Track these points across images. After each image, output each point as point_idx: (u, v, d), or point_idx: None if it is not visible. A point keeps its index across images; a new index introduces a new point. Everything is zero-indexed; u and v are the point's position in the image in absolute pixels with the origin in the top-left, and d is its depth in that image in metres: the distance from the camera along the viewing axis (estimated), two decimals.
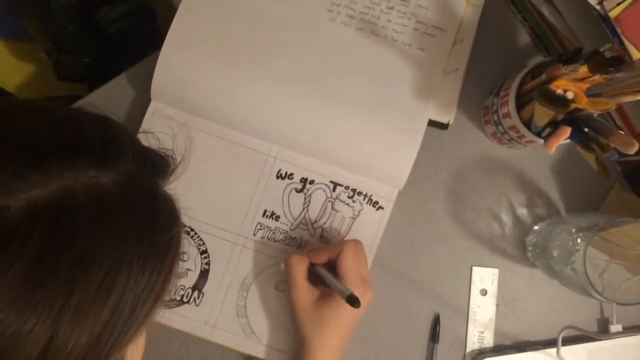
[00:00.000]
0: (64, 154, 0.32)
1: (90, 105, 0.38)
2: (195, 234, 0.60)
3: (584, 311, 0.63)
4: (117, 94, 0.63)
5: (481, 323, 0.62)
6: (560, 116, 0.51)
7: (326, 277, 0.55)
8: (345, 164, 0.60)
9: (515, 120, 0.54)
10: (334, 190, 0.61)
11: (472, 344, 0.62)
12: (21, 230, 0.28)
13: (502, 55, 0.64)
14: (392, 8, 0.61)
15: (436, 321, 0.62)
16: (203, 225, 0.61)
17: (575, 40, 0.57)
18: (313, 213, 0.61)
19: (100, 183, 0.32)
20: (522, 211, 0.64)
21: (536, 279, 0.63)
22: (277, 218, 0.61)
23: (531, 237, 0.62)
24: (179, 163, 0.41)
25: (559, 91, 0.48)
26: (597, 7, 0.51)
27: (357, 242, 0.57)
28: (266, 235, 0.61)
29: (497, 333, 0.62)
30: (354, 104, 0.59)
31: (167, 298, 0.37)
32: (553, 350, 0.59)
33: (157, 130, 0.41)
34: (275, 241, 0.61)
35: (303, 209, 0.61)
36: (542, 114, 0.50)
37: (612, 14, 0.50)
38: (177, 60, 0.59)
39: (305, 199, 0.61)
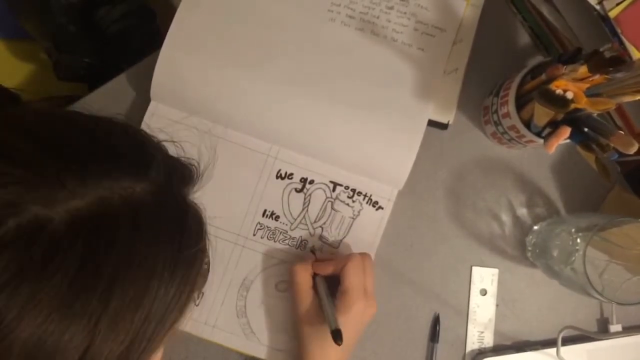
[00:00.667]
0: (101, 164, 0.32)
1: (120, 115, 0.38)
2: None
3: (583, 311, 0.63)
4: (117, 93, 0.63)
5: (481, 323, 0.62)
6: (560, 116, 0.51)
7: (322, 299, 0.55)
8: (345, 164, 0.60)
9: (515, 120, 0.54)
10: (333, 190, 0.61)
11: (472, 343, 0.62)
12: (64, 244, 0.28)
13: (502, 55, 0.64)
14: (391, 8, 0.61)
15: (436, 321, 0.62)
16: None
17: (575, 40, 0.57)
18: (313, 213, 0.61)
19: (135, 193, 0.33)
20: (522, 211, 0.64)
21: (536, 279, 0.63)
22: (277, 218, 0.61)
23: (531, 237, 0.62)
24: (204, 172, 0.42)
25: (559, 91, 0.48)
26: (597, 7, 0.51)
27: (364, 256, 0.56)
28: (266, 235, 0.61)
29: (496, 333, 0.62)
30: (354, 104, 0.59)
31: (192, 305, 0.37)
32: (553, 350, 0.59)
33: (181, 138, 0.42)
34: (275, 241, 0.61)
35: (303, 209, 0.61)
36: (542, 114, 0.50)
37: (612, 14, 0.50)
38: (177, 60, 0.59)
39: (305, 198, 0.61)
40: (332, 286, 0.57)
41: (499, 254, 0.63)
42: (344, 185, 0.61)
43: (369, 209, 0.61)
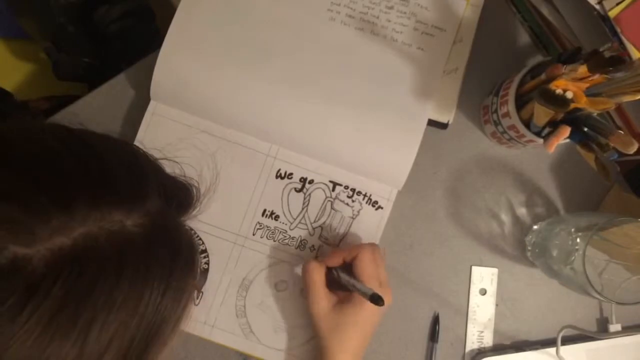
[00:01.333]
0: (91, 194, 0.30)
1: (136, 142, 0.36)
2: (195, 233, 0.60)
3: (583, 311, 0.63)
4: (116, 93, 0.63)
5: (480, 322, 0.62)
6: (560, 116, 0.51)
7: (346, 280, 0.55)
8: (344, 163, 0.60)
9: (514, 119, 0.54)
10: (333, 189, 0.61)
11: (472, 343, 0.62)
12: (43, 285, 0.27)
13: (502, 55, 0.64)
14: (391, 8, 0.61)
15: (435, 321, 0.62)
16: (202, 225, 0.61)
17: (575, 40, 0.57)
18: (312, 213, 0.61)
19: (125, 228, 0.31)
20: (522, 211, 0.64)
21: (535, 279, 0.63)
22: (277, 218, 0.61)
23: (530, 236, 0.62)
24: (204, 195, 0.40)
25: (559, 91, 0.48)
26: (597, 7, 0.51)
27: (373, 246, 0.56)
28: (265, 234, 0.61)
29: (496, 332, 0.62)
30: (354, 104, 0.59)
31: (178, 332, 0.36)
32: (552, 350, 0.59)
33: (183, 157, 0.39)
34: (274, 241, 0.61)
35: (302, 209, 0.61)
36: (542, 114, 0.50)
37: (612, 13, 0.50)
38: (176, 59, 0.59)
39: (304, 198, 0.61)
40: (334, 284, 0.57)
41: (499, 253, 0.63)
42: (344, 185, 0.61)
43: (368, 208, 0.61)
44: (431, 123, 0.61)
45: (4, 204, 0.27)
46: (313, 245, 0.61)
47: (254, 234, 0.61)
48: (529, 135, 0.54)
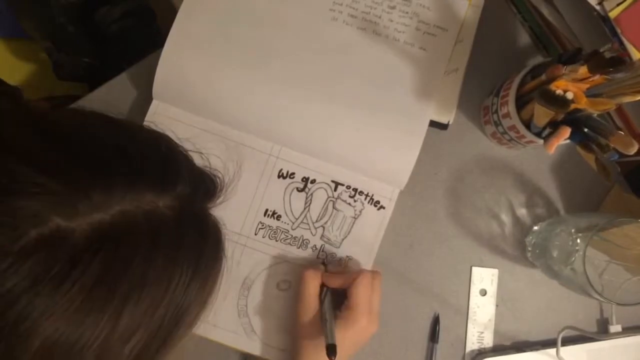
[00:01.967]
0: (128, 175, 0.32)
1: (151, 123, 0.38)
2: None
3: (583, 311, 0.63)
4: (117, 93, 0.63)
5: (481, 323, 0.62)
6: (560, 116, 0.52)
7: (326, 309, 0.55)
8: (346, 163, 0.60)
9: (515, 120, 0.55)
10: (335, 189, 0.61)
11: (472, 344, 0.62)
12: (84, 257, 0.28)
13: (502, 56, 0.64)
14: (394, 7, 0.61)
15: (436, 321, 0.62)
16: None
17: (575, 41, 0.57)
18: (314, 212, 0.61)
19: (158, 209, 0.32)
20: (522, 211, 0.64)
21: (536, 279, 0.63)
22: (279, 217, 0.61)
23: (531, 237, 0.62)
24: (228, 186, 0.41)
25: (559, 91, 0.49)
26: (597, 8, 0.51)
27: (374, 273, 0.56)
28: (267, 234, 0.61)
29: (496, 333, 0.62)
30: (356, 104, 0.59)
31: (202, 319, 0.37)
32: (552, 351, 0.59)
33: (208, 150, 0.41)
34: (276, 240, 0.61)
35: (304, 209, 0.61)
36: (542, 114, 0.50)
37: (612, 14, 0.50)
38: (179, 58, 0.59)
39: (306, 198, 0.61)
40: (336, 299, 0.57)
41: (499, 254, 0.63)
42: (346, 184, 0.61)
43: (370, 208, 0.61)
44: (431, 123, 0.61)
45: (50, 178, 0.29)
46: (315, 245, 0.61)
47: (255, 234, 0.61)
48: (529, 136, 0.54)
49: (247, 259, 0.61)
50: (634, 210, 0.59)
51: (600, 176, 0.50)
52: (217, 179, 0.41)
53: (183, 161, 0.37)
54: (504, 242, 0.63)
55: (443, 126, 0.62)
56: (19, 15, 0.98)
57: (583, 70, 0.48)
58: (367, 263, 0.61)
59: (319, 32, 0.61)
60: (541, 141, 0.53)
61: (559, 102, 0.48)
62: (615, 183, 0.63)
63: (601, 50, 0.51)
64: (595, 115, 0.51)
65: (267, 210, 0.61)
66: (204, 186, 0.39)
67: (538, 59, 0.64)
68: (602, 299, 0.51)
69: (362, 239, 0.61)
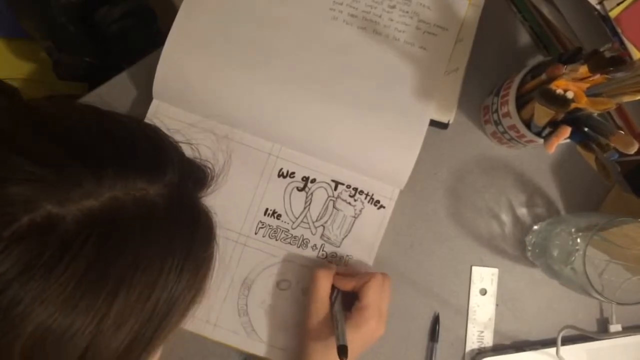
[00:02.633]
0: (118, 164, 0.32)
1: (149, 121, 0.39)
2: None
3: (583, 311, 0.63)
4: (118, 92, 0.63)
5: (481, 322, 0.62)
6: (560, 116, 0.52)
7: (336, 310, 0.55)
8: (347, 163, 0.60)
9: (515, 119, 0.55)
10: (335, 189, 0.61)
11: (472, 343, 0.62)
12: (75, 242, 0.29)
13: (502, 55, 0.64)
14: (394, 7, 0.61)
15: (436, 321, 0.62)
16: None
17: (576, 40, 0.57)
18: (314, 212, 0.61)
19: (148, 196, 0.33)
20: (522, 211, 0.64)
21: (536, 279, 0.63)
22: (279, 217, 0.61)
23: (531, 236, 0.62)
24: (218, 176, 0.42)
25: (559, 91, 0.49)
26: (598, 7, 0.51)
27: (385, 276, 0.57)
28: (267, 233, 0.61)
29: (496, 332, 0.62)
30: (356, 103, 0.59)
31: (195, 308, 0.37)
32: (552, 350, 0.59)
33: (198, 141, 0.42)
34: (276, 240, 0.61)
35: (304, 208, 0.61)
36: (542, 114, 0.50)
37: (613, 13, 0.50)
38: (179, 58, 0.59)
39: (306, 197, 0.61)
40: (344, 299, 0.58)
41: (499, 253, 0.63)
42: (346, 184, 0.61)
43: (370, 207, 0.61)
44: (432, 123, 0.61)
45: (41, 166, 0.29)
46: (315, 245, 0.61)
47: (256, 233, 0.61)
48: (530, 136, 0.54)
49: (248, 258, 0.61)
50: (634, 210, 0.59)
51: (601, 176, 0.50)
52: (208, 169, 0.41)
53: (172, 150, 0.38)
54: (504, 241, 0.63)
55: (443, 125, 0.62)
56: (19, 15, 0.98)
57: (583, 69, 0.48)
58: (367, 262, 0.61)
59: (319, 32, 0.61)
60: (541, 141, 0.53)
61: (559, 101, 0.48)
62: (615, 183, 0.63)
63: (601, 49, 0.51)
64: (595, 114, 0.51)
65: (267, 210, 0.61)
66: (194, 175, 0.39)
67: (538, 59, 0.64)
68: (602, 299, 0.51)
69: (362, 238, 0.61)
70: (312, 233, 0.61)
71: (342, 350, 0.50)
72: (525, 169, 0.64)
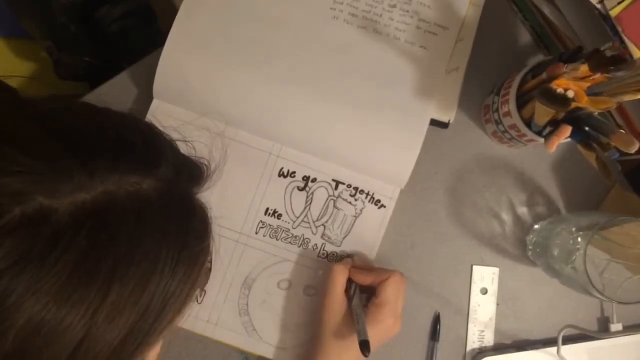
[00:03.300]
0: (110, 158, 0.32)
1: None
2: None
3: (584, 310, 0.63)
4: (118, 92, 0.63)
5: (481, 322, 0.62)
6: (561, 115, 0.51)
7: (356, 304, 0.55)
8: (347, 162, 0.60)
9: (515, 119, 0.55)
10: (336, 188, 0.61)
11: (472, 342, 0.62)
12: (67, 234, 0.29)
13: (503, 54, 0.64)
14: (394, 6, 0.61)
15: (436, 320, 0.62)
16: None
17: (576, 39, 0.57)
18: (315, 211, 0.61)
19: (142, 190, 0.33)
20: (523, 210, 0.64)
21: (536, 278, 0.63)
22: (279, 216, 0.61)
23: (531, 236, 0.62)
24: (213, 172, 0.42)
25: (560, 90, 0.49)
26: (598, 6, 0.51)
27: (402, 275, 0.57)
28: (268, 233, 0.61)
29: (497, 332, 0.62)
30: (357, 103, 0.59)
31: (192, 303, 0.37)
32: (553, 349, 0.59)
33: (193, 138, 0.42)
34: (277, 239, 0.61)
35: (305, 207, 0.61)
36: (543, 113, 0.50)
37: (613, 12, 0.50)
38: (179, 57, 0.59)
39: (307, 197, 0.61)
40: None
41: (500, 253, 0.63)
42: (346, 183, 0.61)
43: (371, 207, 0.61)
44: (432, 122, 0.61)
45: (33, 159, 0.29)
46: (316, 244, 0.61)
47: (256, 233, 0.61)
48: (530, 135, 0.54)
49: (248, 258, 0.61)
50: (634, 209, 0.59)
51: (601, 175, 0.50)
52: (203, 165, 0.41)
53: (166, 145, 0.38)
54: (505, 241, 0.63)
55: (444, 125, 0.62)
56: (19, 14, 0.98)
57: (584, 68, 0.48)
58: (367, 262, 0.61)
59: (320, 31, 0.61)
60: (542, 140, 0.53)
61: (560, 100, 0.48)
62: (616, 182, 0.63)
63: (602, 48, 0.51)
64: (596, 113, 0.51)
65: (267, 209, 0.61)
66: (188, 170, 0.39)
67: (539, 58, 0.64)
68: (602, 298, 0.51)
69: (362, 237, 0.61)
70: (312, 232, 0.61)
71: (365, 345, 0.50)
72: (526, 168, 0.64)
